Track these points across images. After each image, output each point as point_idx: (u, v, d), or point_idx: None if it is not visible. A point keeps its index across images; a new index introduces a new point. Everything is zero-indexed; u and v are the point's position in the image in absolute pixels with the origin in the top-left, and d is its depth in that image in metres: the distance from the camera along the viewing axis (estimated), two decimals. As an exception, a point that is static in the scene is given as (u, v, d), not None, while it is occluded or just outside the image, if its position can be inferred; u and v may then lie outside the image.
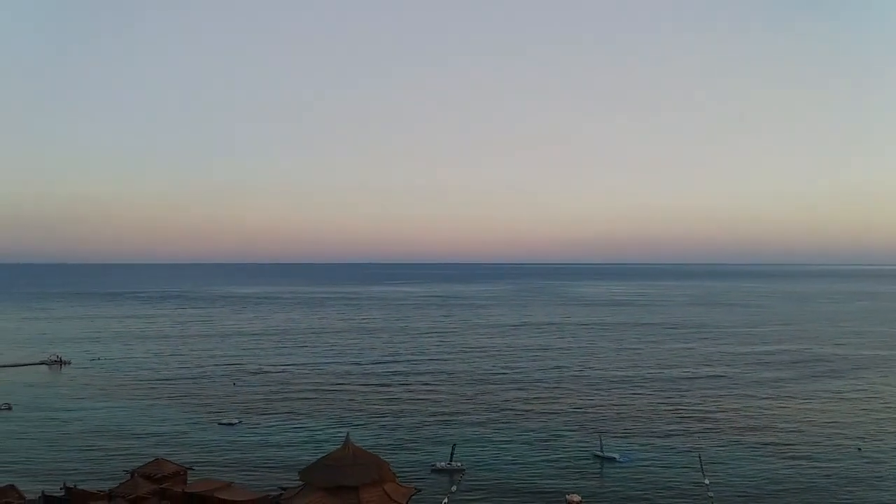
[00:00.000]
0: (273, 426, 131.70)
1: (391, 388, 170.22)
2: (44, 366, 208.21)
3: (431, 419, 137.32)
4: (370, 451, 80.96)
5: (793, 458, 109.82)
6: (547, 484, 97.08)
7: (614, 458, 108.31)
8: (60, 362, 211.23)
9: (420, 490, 79.86)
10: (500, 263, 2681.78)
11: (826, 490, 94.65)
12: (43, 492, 77.47)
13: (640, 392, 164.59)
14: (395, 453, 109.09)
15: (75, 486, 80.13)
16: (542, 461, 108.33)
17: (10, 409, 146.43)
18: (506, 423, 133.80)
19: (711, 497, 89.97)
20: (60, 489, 78.98)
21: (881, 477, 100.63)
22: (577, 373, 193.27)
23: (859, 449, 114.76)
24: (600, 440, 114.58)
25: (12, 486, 78.38)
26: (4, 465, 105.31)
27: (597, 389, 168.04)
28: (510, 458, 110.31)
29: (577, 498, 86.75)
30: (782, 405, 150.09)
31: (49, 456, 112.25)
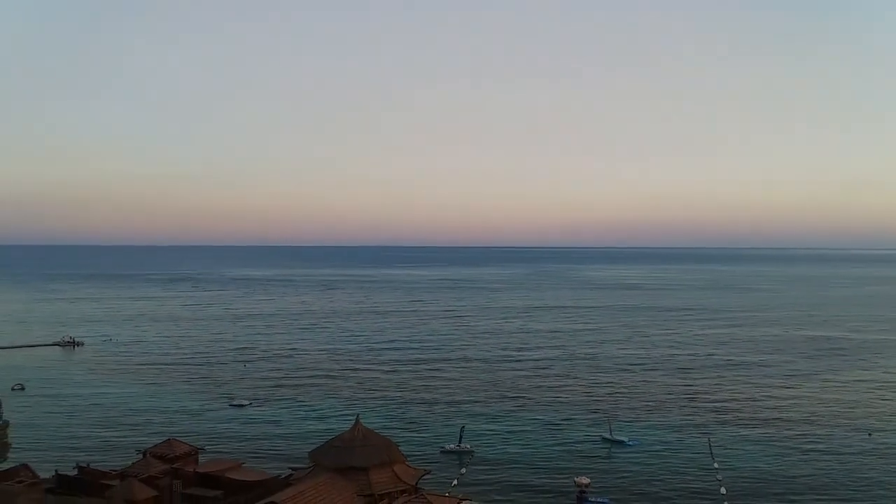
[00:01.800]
0: (283, 408, 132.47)
1: (401, 371, 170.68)
2: (57, 347, 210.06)
3: (441, 402, 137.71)
4: (380, 432, 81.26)
5: (802, 442, 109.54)
6: (556, 466, 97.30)
7: (623, 442, 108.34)
8: (74, 343, 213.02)
9: (430, 471, 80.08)
10: (511, 247, 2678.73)
11: (835, 474, 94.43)
12: (56, 471, 78.05)
13: (650, 376, 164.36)
14: (405, 435, 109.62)
15: (88, 465, 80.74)
16: (552, 444, 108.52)
17: (23, 389, 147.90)
18: (515, 405, 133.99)
19: (720, 481, 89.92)
20: (73, 468, 79.59)
21: (891, 461, 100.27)
22: (587, 356, 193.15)
23: (870, 434, 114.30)
24: (609, 423, 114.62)
25: (26, 465, 79.06)
26: (18, 445, 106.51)
27: (607, 373, 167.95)
28: (519, 440, 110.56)
29: (586, 480, 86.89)
30: (792, 389, 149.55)
31: (62, 435, 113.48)
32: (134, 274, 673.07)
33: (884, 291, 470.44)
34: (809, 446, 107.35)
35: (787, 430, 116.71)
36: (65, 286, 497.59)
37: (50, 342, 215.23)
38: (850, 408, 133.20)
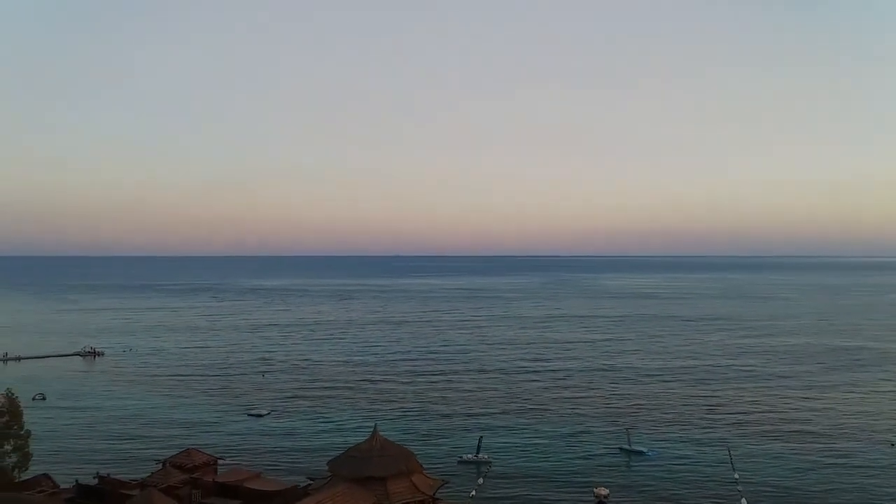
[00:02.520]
0: (301, 418, 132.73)
1: (418, 381, 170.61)
2: (78, 357, 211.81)
3: (458, 412, 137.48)
4: (397, 443, 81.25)
5: (824, 454, 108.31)
6: (574, 477, 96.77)
7: (643, 452, 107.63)
8: (94, 353, 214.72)
9: (447, 482, 79.95)
10: (525, 256, 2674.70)
11: (857, 484, 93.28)
12: (77, 480, 78.69)
13: (668, 386, 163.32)
14: (423, 445, 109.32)
15: (108, 475, 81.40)
16: (570, 454, 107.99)
17: (44, 399, 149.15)
18: (533, 416, 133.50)
19: (741, 492, 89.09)
20: (94, 478, 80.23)
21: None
22: (604, 366, 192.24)
23: (892, 444, 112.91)
24: (628, 434, 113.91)
25: (46, 474, 79.82)
26: (39, 455, 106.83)
27: (625, 383, 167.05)
28: (538, 450, 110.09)
29: (605, 491, 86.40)
30: (813, 399, 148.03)
31: (82, 445, 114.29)
32: (152, 284, 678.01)
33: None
34: (831, 458, 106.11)
35: (808, 441, 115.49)
36: (84, 297, 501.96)
37: (70, 352, 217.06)
38: (871, 419, 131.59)
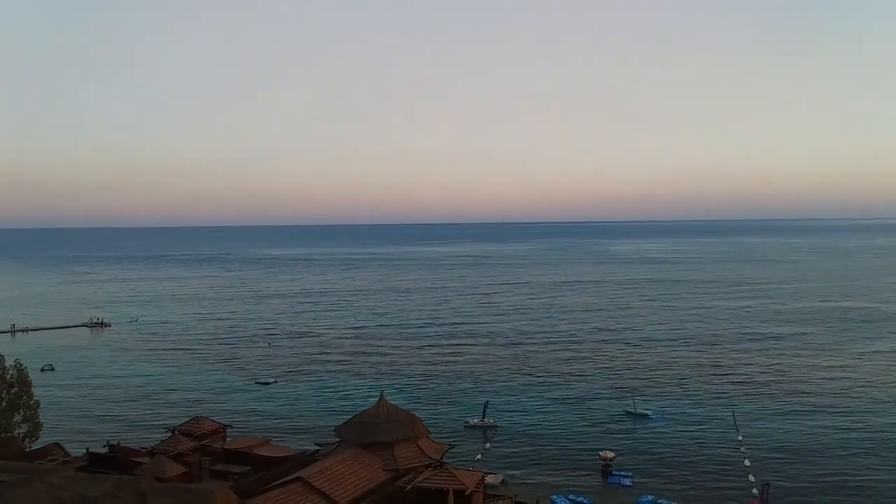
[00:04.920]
0: (308, 385, 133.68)
1: (424, 347, 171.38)
2: (85, 328, 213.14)
3: (465, 377, 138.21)
4: (404, 408, 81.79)
5: (829, 414, 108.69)
6: (580, 440, 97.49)
7: (648, 416, 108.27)
8: (102, 324, 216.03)
9: (453, 446, 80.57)
10: (531, 222, 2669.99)
11: (862, 447, 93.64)
12: (87, 449, 79.51)
13: (674, 350, 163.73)
14: (429, 411, 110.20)
15: (119, 443, 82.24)
16: (576, 418, 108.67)
17: (52, 369, 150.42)
18: (539, 380, 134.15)
19: (744, 454, 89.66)
20: (104, 446, 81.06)
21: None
22: (610, 331, 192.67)
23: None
24: (633, 398, 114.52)
25: (57, 444, 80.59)
26: (49, 424, 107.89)
27: (631, 347, 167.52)
28: (543, 415, 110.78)
29: (610, 454, 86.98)
30: (819, 362, 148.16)
31: (92, 415, 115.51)
32: (158, 255, 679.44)
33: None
34: (836, 419, 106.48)
35: (813, 402, 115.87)
36: (90, 268, 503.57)
37: (77, 323, 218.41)
38: (879, 379, 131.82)
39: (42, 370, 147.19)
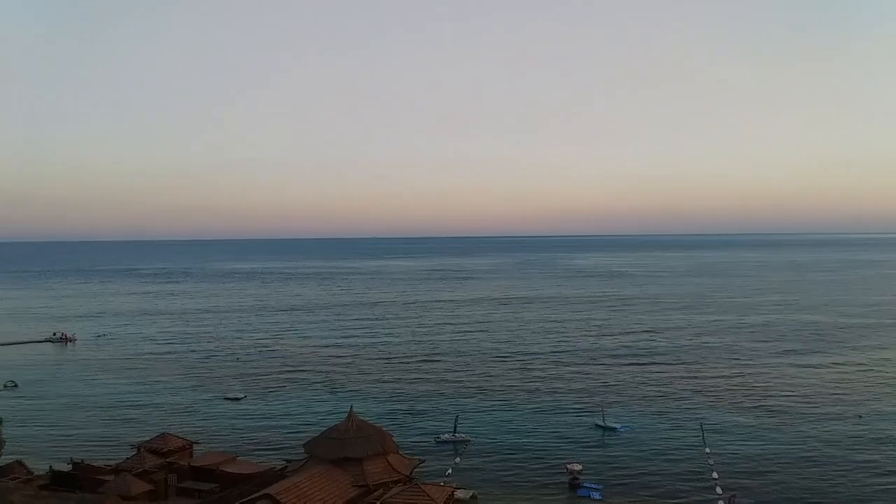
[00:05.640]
0: (277, 400, 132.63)
1: (394, 362, 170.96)
2: (49, 343, 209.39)
3: (435, 392, 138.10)
4: (374, 423, 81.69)
5: (793, 426, 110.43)
6: (549, 454, 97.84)
7: (615, 429, 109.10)
8: (66, 339, 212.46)
9: (423, 461, 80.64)
10: (498, 237, 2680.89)
11: (826, 457, 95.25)
12: (51, 467, 78.21)
13: (641, 363, 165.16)
14: (399, 426, 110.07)
15: (82, 461, 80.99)
16: (545, 432, 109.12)
17: (16, 386, 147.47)
18: (509, 395, 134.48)
19: (712, 465, 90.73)
20: (68, 464, 79.82)
21: (881, 443, 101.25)
22: (578, 344, 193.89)
23: (860, 416, 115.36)
24: (602, 411, 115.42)
25: (20, 462, 79.19)
26: (12, 442, 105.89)
27: (598, 361, 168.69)
28: (513, 428, 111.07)
29: (578, 466, 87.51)
30: (783, 374, 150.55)
31: (56, 432, 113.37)
32: (125, 269, 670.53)
33: (865, 275, 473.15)
34: (800, 429, 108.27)
35: (777, 414, 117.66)
36: (55, 282, 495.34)
37: (41, 338, 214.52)
38: (838, 390, 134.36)
39: (5, 386, 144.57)
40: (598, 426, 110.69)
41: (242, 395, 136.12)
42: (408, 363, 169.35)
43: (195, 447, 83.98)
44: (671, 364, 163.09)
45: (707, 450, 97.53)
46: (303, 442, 77.50)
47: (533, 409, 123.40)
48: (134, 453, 77.90)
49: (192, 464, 78.21)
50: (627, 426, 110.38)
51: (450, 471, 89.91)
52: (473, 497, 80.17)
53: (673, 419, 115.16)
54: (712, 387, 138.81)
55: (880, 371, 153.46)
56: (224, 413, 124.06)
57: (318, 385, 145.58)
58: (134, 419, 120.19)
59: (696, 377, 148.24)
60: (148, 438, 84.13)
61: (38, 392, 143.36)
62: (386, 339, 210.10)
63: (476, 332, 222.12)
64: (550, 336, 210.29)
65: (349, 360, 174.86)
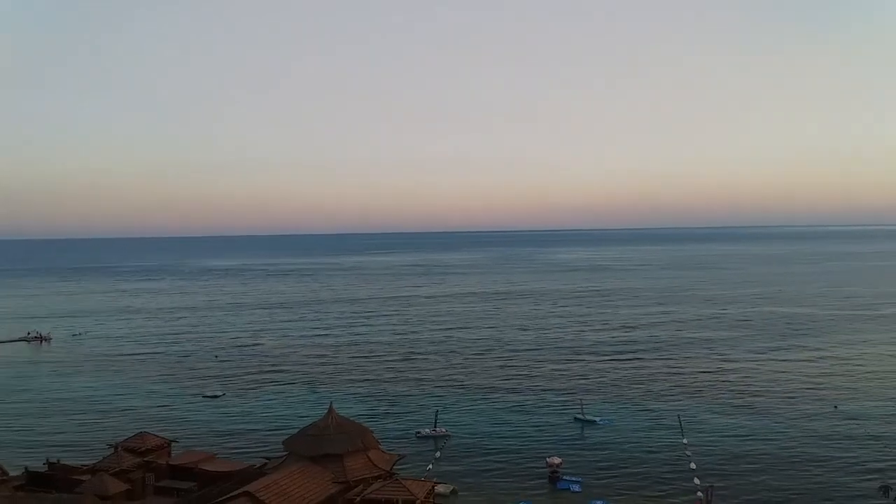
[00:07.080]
0: (256, 398, 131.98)
1: (374, 358, 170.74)
2: (23, 343, 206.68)
3: (415, 387, 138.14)
4: (354, 419, 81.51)
5: (770, 417, 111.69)
6: (529, 447, 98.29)
7: (594, 422, 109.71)
8: (41, 339, 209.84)
9: (404, 456, 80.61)
10: (478, 232, 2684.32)
11: (803, 447, 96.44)
12: (26, 467, 77.20)
13: (620, 356, 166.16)
14: (379, 421, 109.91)
15: (59, 461, 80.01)
16: (525, 426, 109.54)
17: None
18: (489, 389, 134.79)
19: (689, 457, 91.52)
20: (44, 464, 78.89)
21: (856, 434, 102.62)
22: (557, 338, 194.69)
23: (836, 407, 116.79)
24: (581, 404, 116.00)
25: (-5, 462, 78.11)
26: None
27: (577, 354, 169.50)
28: (494, 423, 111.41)
29: (557, 460, 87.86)
30: (760, 366, 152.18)
31: (32, 432, 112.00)
32: (102, 267, 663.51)
33: (842, 267, 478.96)
34: (777, 420, 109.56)
35: (755, 405, 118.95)
36: (26, 281, 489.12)
37: (15, 338, 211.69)
38: (814, 382, 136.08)
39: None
40: (577, 420, 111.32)
41: (221, 393, 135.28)
42: (388, 359, 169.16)
43: (173, 446, 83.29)
44: (649, 358, 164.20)
45: (685, 441, 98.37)
46: (282, 439, 77.15)
47: (513, 403, 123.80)
48: (111, 453, 77.10)
49: (170, 462, 77.60)
50: (606, 419, 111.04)
51: (430, 466, 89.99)
52: (454, 492, 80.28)
53: (651, 412, 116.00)
54: (691, 380, 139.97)
55: (856, 362, 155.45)
56: (202, 411, 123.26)
57: (298, 382, 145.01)
58: (111, 418, 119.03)
59: (674, 370, 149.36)
60: (125, 438, 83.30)
61: (13, 392, 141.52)
62: (366, 335, 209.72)
63: (456, 327, 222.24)
64: (530, 331, 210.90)
65: (329, 356, 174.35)
